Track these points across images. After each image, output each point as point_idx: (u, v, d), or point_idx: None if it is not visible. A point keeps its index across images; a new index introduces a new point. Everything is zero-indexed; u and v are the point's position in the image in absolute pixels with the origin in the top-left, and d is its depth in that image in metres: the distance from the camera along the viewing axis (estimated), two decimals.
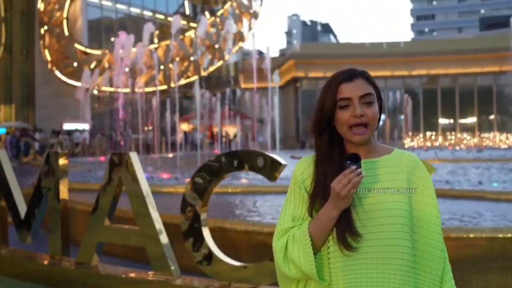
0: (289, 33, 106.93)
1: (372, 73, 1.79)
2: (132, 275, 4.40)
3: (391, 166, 1.72)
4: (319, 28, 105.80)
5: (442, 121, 39.57)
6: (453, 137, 37.47)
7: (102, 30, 38.89)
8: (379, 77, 35.57)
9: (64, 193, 4.92)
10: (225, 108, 32.96)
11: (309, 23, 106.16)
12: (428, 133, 38.55)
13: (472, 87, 38.60)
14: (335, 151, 1.71)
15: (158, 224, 4.21)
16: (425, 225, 1.70)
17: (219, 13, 40.77)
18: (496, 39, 37.67)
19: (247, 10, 41.91)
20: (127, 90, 35.84)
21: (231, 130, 36.70)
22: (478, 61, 36.90)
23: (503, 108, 37.12)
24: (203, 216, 4.04)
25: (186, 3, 44.65)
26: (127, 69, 30.50)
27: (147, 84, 33.22)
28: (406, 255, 1.63)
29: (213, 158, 4.07)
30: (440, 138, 37.67)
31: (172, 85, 37.48)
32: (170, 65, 37.18)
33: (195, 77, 38.92)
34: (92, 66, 35.33)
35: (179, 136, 26.15)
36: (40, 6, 35.77)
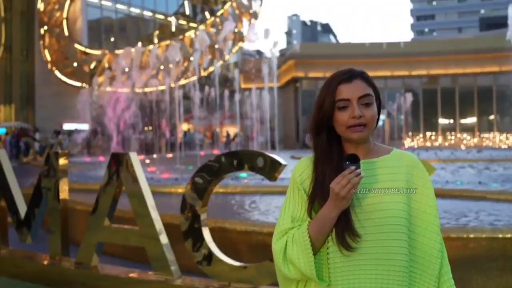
0: (289, 33, 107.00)
1: (372, 73, 1.79)
2: (132, 275, 4.40)
3: (390, 167, 1.72)
4: (319, 28, 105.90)
5: (442, 121, 39.56)
6: (453, 137, 37.46)
7: (102, 30, 38.89)
8: (379, 77, 35.57)
9: (64, 193, 4.92)
10: (225, 108, 32.96)
11: (309, 23, 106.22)
12: (428, 133, 38.54)
13: (472, 87, 38.58)
14: (333, 151, 1.71)
15: (158, 224, 4.21)
16: (424, 225, 1.70)
17: (219, 13, 40.78)
18: (496, 39, 37.65)
19: (247, 10, 41.92)
20: (127, 90, 35.84)
21: (231, 130, 36.71)
22: (478, 61, 36.88)
23: (503, 108, 37.10)
24: (203, 216, 4.04)
25: (186, 3, 44.65)
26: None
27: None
28: (405, 255, 1.64)
29: (213, 158, 4.07)
30: (440, 138, 37.66)
31: (172, 85, 37.52)
32: (170, 65, 37.19)
33: (195, 77, 38.96)
34: (92, 66, 35.33)
35: (179, 136, 26.14)
36: (40, 6, 35.76)
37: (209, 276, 4.03)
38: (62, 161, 4.94)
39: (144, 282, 4.26)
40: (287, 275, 1.69)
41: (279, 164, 3.75)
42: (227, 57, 41.41)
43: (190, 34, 38.85)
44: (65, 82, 35.25)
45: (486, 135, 37.12)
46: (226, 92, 33.47)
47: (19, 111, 37.50)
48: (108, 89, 34.76)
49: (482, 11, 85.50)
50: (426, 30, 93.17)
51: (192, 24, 42.29)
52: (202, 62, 39.29)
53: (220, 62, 41.10)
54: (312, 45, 53.44)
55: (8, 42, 37.34)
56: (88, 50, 35.20)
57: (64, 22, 35.58)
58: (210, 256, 3.97)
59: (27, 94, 37.52)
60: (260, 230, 5.27)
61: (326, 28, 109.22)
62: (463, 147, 31.00)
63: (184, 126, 37.11)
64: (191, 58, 38.14)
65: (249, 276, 3.85)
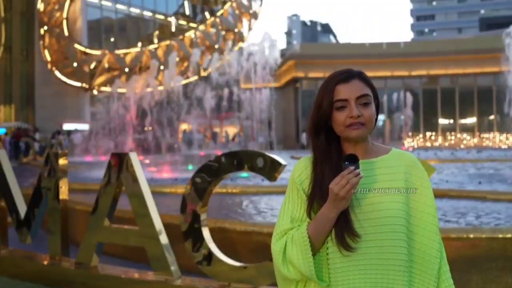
0: (289, 33, 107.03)
1: (372, 73, 1.80)
2: (132, 275, 4.40)
3: (389, 166, 1.72)
4: (319, 28, 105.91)
5: (442, 121, 39.55)
6: (453, 138, 37.46)
7: (102, 31, 38.89)
8: (379, 77, 35.57)
9: (64, 193, 4.92)
10: (225, 109, 32.92)
11: (309, 23, 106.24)
12: (428, 133, 38.54)
13: (472, 87, 38.58)
14: (332, 152, 1.71)
15: (158, 224, 4.21)
16: (422, 225, 1.70)
17: (219, 13, 40.78)
18: (496, 39, 37.64)
19: (247, 11, 41.93)
20: (124, 90, 35.82)
21: (231, 130, 36.70)
22: (478, 61, 36.88)
23: (503, 108, 37.10)
24: (203, 216, 4.04)
25: (186, 3, 44.65)
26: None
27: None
28: (404, 255, 1.64)
29: (213, 158, 4.07)
30: (440, 139, 37.66)
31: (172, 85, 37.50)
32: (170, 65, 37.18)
33: (195, 77, 38.97)
34: (92, 66, 35.34)
35: (179, 137, 26.15)
36: (40, 6, 35.77)
37: (209, 276, 4.03)
38: (62, 161, 4.94)
39: (144, 282, 4.26)
40: (287, 276, 1.69)
41: (279, 164, 3.75)
42: (227, 57, 41.38)
43: (190, 34, 38.85)
44: (65, 82, 35.26)
45: (486, 135, 37.12)
46: (226, 92, 33.45)
47: (19, 111, 37.52)
48: (106, 89, 34.76)
49: (482, 11, 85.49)
50: (426, 30, 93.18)
51: (192, 24, 42.29)
52: (202, 62, 39.30)
53: (220, 62, 41.11)
54: (312, 45, 53.44)
55: (8, 42, 37.36)
56: (88, 50, 35.20)
57: (64, 22, 35.58)
58: (210, 256, 3.97)
59: (27, 94, 37.54)
60: (260, 230, 5.27)
61: (326, 28, 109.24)
62: (463, 147, 31.00)
63: (184, 126, 37.08)
64: (191, 58, 38.15)
65: (249, 276, 3.85)
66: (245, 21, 42.25)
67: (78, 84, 35.16)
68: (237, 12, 41.41)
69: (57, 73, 35.35)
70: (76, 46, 34.94)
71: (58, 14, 35.61)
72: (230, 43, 41.15)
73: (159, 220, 4.23)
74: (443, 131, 38.88)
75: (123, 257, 5.89)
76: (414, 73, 38.71)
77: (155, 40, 39.82)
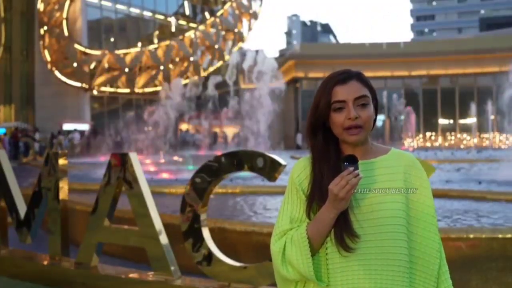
0: (288, 34, 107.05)
1: (372, 74, 1.80)
2: (132, 275, 4.40)
3: (388, 167, 1.72)
4: (319, 28, 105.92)
5: (442, 121, 39.55)
6: (453, 138, 37.45)
7: (101, 31, 38.89)
8: (379, 78, 35.58)
9: (64, 193, 4.92)
10: (224, 108, 32.92)
11: (308, 23, 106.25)
12: (428, 134, 38.53)
13: (472, 87, 38.58)
14: (331, 152, 1.71)
15: (158, 225, 4.21)
16: (422, 225, 1.70)
17: (219, 14, 40.78)
18: (496, 39, 37.69)
19: (246, 11, 41.94)
20: (127, 90, 35.85)
21: (231, 130, 36.66)
22: (478, 61, 36.88)
23: (503, 108, 37.09)
24: (202, 216, 4.04)
25: (186, 4, 44.65)
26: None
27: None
28: (404, 255, 1.64)
29: (213, 158, 4.07)
30: (440, 139, 37.65)
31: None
32: (170, 65, 37.20)
33: (195, 78, 38.96)
34: (92, 66, 35.34)
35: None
36: (40, 6, 35.76)
37: (209, 276, 4.03)
38: (62, 161, 4.94)
39: (144, 282, 4.26)
40: (286, 276, 1.69)
41: (279, 164, 3.74)
42: (227, 57, 41.39)
43: (190, 34, 38.84)
44: (65, 82, 35.26)
45: (486, 135, 37.11)
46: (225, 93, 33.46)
47: (19, 111, 37.51)
48: (106, 89, 34.74)
49: (482, 11, 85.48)
50: (426, 30, 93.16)
51: (192, 24, 42.28)
52: (202, 62, 39.30)
53: (220, 63, 41.12)
54: (312, 45, 53.43)
55: (8, 42, 37.35)
56: (88, 50, 35.20)
57: (64, 22, 35.58)
58: (210, 256, 3.97)
59: (27, 94, 37.53)
60: (260, 231, 5.27)
61: (326, 28, 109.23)
62: (463, 147, 30.99)
63: (184, 126, 37.08)
64: (191, 58, 38.16)
65: (249, 277, 3.85)
66: (245, 21, 42.26)
67: (78, 84, 35.15)
68: (237, 12, 41.42)
69: (57, 73, 35.35)
70: (76, 46, 34.94)
71: (58, 14, 35.60)
72: (230, 43, 41.17)
73: (159, 220, 4.23)
74: (443, 131, 38.88)
75: (123, 257, 5.89)
76: (414, 73, 38.71)
77: (155, 40, 39.83)
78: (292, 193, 1.75)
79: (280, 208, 1.77)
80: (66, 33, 35.33)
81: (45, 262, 4.95)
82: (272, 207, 7.16)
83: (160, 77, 37.06)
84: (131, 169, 4.33)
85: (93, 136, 31.48)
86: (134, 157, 4.41)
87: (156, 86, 37.25)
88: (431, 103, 39.31)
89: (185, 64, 38.28)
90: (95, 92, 36.08)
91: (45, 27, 35.54)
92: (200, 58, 39.47)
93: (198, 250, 4.00)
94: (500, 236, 4.58)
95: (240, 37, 41.84)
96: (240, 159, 3.91)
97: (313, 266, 1.63)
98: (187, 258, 4.11)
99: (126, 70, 35.52)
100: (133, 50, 36.38)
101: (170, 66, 37.39)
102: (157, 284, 4.15)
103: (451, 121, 39.74)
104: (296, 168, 1.77)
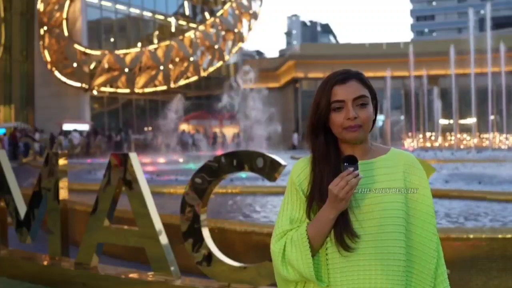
0: (288, 34, 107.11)
1: (372, 74, 1.80)
2: (132, 275, 4.40)
3: (388, 167, 1.72)
4: (318, 28, 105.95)
5: (442, 121, 39.52)
6: (453, 138, 37.43)
7: (101, 31, 38.85)
8: (379, 78, 35.57)
9: (63, 193, 4.92)
10: (224, 109, 32.93)
11: (308, 23, 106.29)
12: (428, 134, 38.52)
13: (471, 87, 38.53)
14: (331, 152, 1.71)
15: (158, 225, 4.21)
16: (420, 224, 1.70)
17: (218, 14, 40.78)
18: (496, 39, 37.61)
19: (246, 11, 41.93)
20: (127, 90, 35.83)
21: (230, 131, 36.67)
22: (478, 61, 36.85)
23: (503, 108, 37.06)
24: (202, 216, 4.04)
25: (186, 4, 44.64)
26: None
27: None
28: (403, 255, 1.64)
29: (213, 158, 4.07)
30: (440, 139, 37.64)
31: (172, 85, 37.53)
32: (170, 66, 37.19)
33: (195, 78, 38.98)
34: (92, 66, 35.31)
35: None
36: (40, 6, 35.74)
37: (209, 276, 4.03)
38: (61, 161, 4.94)
39: (144, 283, 4.26)
40: (286, 277, 1.68)
41: (279, 164, 3.74)
42: (226, 57, 41.39)
43: (190, 34, 38.83)
44: (64, 83, 35.23)
45: (485, 135, 37.10)
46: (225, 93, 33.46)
47: (19, 112, 37.48)
48: (106, 89, 34.72)
49: (482, 12, 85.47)
50: (426, 30, 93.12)
51: (192, 25, 42.28)
52: (202, 63, 39.28)
53: (220, 63, 41.12)
54: (312, 46, 53.46)
55: (7, 42, 37.31)
56: (87, 51, 35.17)
57: (64, 22, 35.55)
58: (210, 256, 3.96)
59: (26, 95, 37.51)
60: (260, 231, 5.27)
61: (326, 29, 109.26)
62: (463, 147, 31.00)
63: (184, 127, 37.07)
64: (191, 59, 38.15)
65: (249, 277, 3.85)
66: (245, 21, 42.25)
67: (78, 84, 35.13)
68: (237, 12, 41.41)
69: (57, 73, 35.33)
70: (76, 46, 34.92)
71: (58, 15, 35.58)
72: (230, 43, 41.16)
73: (159, 220, 4.23)
74: (443, 131, 38.86)
75: (123, 258, 5.89)
76: (414, 73, 38.70)
77: (155, 40, 39.82)
78: (292, 194, 1.74)
79: (280, 209, 1.77)
80: (66, 33, 35.30)
81: (45, 262, 4.95)
82: (272, 207, 7.16)
83: (160, 77, 37.06)
84: (131, 169, 4.33)
85: (93, 136, 31.49)
86: (134, 157, 4.41)
87: (156, 86, 37.29)
88: (431, 103, 39.29)
89: (185, 64, 38.27)
90: (95, 92, 36.06)
91: (45, 27, 35.52)
92: (200, 58, 39.46)
93: (198, 250, 4.00)
94: (500, 236, 4.58)
95: (240, 37, 41.83)
96: (240, 159, 3.91)
97: (313, 266, 1.63)
98: (187, 258, 4.11)
99: (126, 70, 35.50)
100: (133, 50, 36.36)
101: (170, 66, 37.37)
102: (157, 284, 4.15)
103: (451, 121, 39.72)
104: (296, 168, 1.77)
